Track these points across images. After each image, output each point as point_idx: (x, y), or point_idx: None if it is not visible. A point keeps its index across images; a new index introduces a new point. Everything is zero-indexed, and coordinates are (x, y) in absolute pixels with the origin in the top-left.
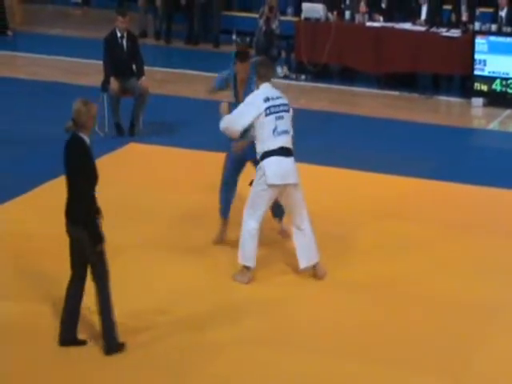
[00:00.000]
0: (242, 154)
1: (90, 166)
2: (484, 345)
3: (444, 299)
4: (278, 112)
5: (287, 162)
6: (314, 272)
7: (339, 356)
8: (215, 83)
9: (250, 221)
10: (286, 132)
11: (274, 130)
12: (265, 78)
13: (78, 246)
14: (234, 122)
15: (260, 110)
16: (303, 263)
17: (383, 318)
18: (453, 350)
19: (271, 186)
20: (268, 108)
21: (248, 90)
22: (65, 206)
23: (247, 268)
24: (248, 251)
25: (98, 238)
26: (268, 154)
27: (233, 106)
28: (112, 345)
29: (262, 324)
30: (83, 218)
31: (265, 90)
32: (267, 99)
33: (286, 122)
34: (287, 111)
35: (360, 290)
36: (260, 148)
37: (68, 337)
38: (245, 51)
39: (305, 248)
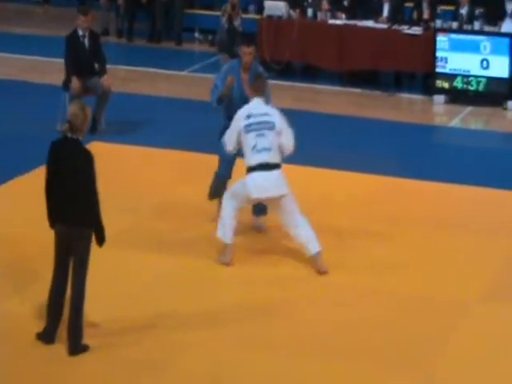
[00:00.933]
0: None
1: (94, 166)
2: (455, 341)
3: (415, 295)
4: (259, 130)
5: (268, 175)
6: (318, 264)
7: (304, 355)
8: (213, 99)
9: (229, 207)
10: (266, 149)
11: (254, 147)
12: (258, 92)
13: (68, 244)
14: (225, 143)
15: (239, 127)
16: (312, 249)
17: (357, 317)
18: (423, 347)
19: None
20: (248, 125)
21: (252, 74)
22: (56, 207)
23: (227, 246)
24: (228, 230)
25: (104, 236)
26: (249, 170)
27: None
28: (79, 345)
29: (246, 324)
30: (94, 219)
31: (252, 105)
32: (249, 116)
33: (267, 140)
34: (270, 129)
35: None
36: (245, 162)
37: (50, 336)
38: (251, 34)
39: (309, 237)
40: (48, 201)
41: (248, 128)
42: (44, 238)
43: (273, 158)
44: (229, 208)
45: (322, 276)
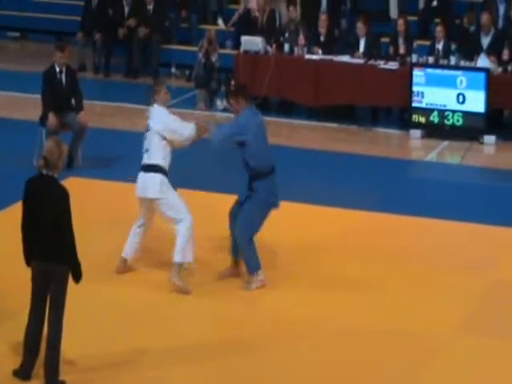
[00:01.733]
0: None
1: (70, 203)
2: (429, 375)
3: (391, 329)
4: (146, 134)
5: (144, 177)
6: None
7: None
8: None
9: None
10: (146, 150)
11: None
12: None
13: (44, 281)
14: None
15: None
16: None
17: (330, 353)
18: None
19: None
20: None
21: None
22: (32, 244)
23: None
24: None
25: (81, 272)
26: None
27: None
28: (56, 382)
29: (222, 360)
30: (69, 256)
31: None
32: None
33: (147, 141)
34: (149, 130)
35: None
36: None
37: (26, 373)
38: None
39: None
40: (24, 238)
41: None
42: (19, 274)
43: (149, 158)
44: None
45: (300, 312)
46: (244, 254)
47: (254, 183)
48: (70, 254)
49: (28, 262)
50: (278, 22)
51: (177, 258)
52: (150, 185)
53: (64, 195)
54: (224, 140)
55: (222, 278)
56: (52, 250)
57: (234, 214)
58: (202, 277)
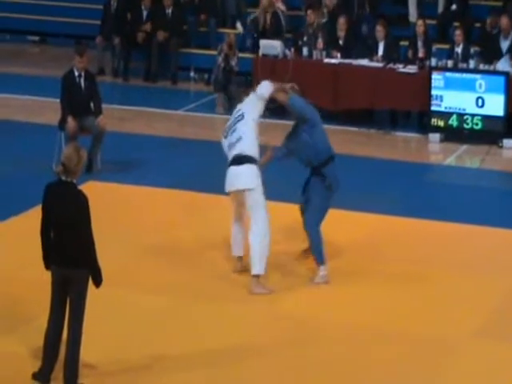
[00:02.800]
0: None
1: (89, 209)
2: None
3: (409, 332)
4: (231, 128)
5: (238, 169)
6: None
7: None
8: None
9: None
10: (238, 140)
11: (230, 146)
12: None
13: (64, 285)
14: None
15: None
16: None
17: (348, 356)
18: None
19: (228, 192)
20: (224, 131)
21: None
22: (51, 249)
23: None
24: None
25: (101, 277)
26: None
27: None
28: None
29: (241, 365)
30: (89, 261)
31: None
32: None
33: (238, 132)
34: (242, 119)
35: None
36: None
37: (45, 376)
38: None
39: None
40: (43, 242)
41: (225, 133)
42: (39, 279)
43: (241, 149)
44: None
45: (326, 315)
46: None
47: (323, 169)
48: (90, 258)
49: (47, 266)
50: (283, 23)
51: (253, 271)
52: (245, 175)
53: (83, 200)
54: (301, 108)
55: None
56: (71, 255)
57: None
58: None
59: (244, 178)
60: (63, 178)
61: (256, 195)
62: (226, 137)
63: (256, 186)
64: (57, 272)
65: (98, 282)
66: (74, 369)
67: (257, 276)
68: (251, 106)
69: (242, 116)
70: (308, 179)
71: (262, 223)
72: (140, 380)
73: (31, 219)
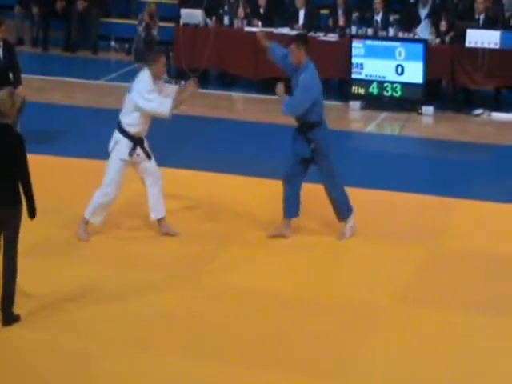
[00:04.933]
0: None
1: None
2: (368, 345)
3: (329, 298)
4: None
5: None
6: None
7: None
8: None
9: None
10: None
11: None
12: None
13: (2, 225)
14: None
15: None
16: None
17: (271, 325)
18: (338, 352)
19: None
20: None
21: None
22: None
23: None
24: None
25: (35, 209)
26: None
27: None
28: (11, 315)
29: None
30: (30, 197)
31: None
32: None
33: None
34: (129, 91)
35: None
36: None
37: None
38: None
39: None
40: None
41: None
42: None
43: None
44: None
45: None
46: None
47: (312, 133)
48: (28, 195)
49: None
50: None
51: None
52: (111, 140)
53: (20, 141)
54: (299, 110)
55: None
56: (12, 194)
57: (291, 176)
58: None
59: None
60: None
61: (110, 159)
62: None
63: (111, 151)
64: None
65: (34, 213)
66: (10, 301)
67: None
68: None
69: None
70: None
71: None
72: (76, 309)
73: None
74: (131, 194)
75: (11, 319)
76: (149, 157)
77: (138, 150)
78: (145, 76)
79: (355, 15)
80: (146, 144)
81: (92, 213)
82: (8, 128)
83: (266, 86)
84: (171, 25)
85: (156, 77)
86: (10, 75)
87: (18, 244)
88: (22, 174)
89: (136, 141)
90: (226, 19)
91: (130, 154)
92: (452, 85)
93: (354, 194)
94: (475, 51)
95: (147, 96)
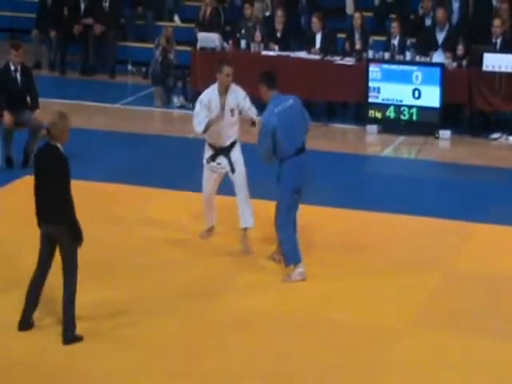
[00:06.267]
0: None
1: (69, 171)
2: (383, 368)
3: (345, 321)
4: None
5: None
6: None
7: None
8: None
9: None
10: None
11: None
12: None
13: (49, 244)
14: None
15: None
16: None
17: (289, 347)
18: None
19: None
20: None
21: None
22: (39, 207)
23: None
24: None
25: (80, 236)
26: None
27: None
28: (71, 335)
29: None
30: (69, 219)
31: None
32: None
33: None
34: None
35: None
36: None
37: (26, 323)
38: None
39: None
40: (35, 201)
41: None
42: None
43: None
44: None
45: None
46: (282, 245)
47: (280, 167)
48: (69, 216)
49: (39, 223)
50: (222, 18)
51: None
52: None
53: (63, 161)
54: (266, 155)
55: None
56: (57, 215)
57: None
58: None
59: None
60: (49, 141)
61: None
62: None
63: None
64: (44, 229)
65: (77, 240)
66: (70, 323)
67: None
68: None
69: None
70: None
71: None
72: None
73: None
74: None
75: (72, 339)
76: (232, 169)
77: (220, 160)
78: (208, 89)
79: (372, 39)
80: (234, 155)
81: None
82: (56, 149)
83: None
84: (188, 49)
85: (221, 88)
86: (28, 99)
87: (73, 268)
88: (62, 196)
89: (217, 150)
90: (243, 43)
91: (207, 162)
92: (469, 109)
93: (371, 218)
94: (492, 75)
95: (195, 109)
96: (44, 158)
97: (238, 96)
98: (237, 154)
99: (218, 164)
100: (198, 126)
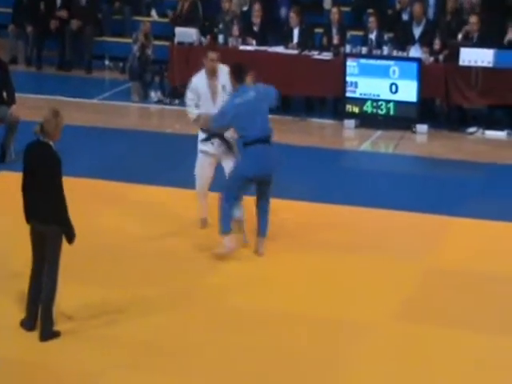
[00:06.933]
0: None
1: (61, 170)
2: (349, 363)
3: (325, 317)
4: None
5: None
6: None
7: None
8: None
9: None
10: None
11: None
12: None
13: (41, 241)
14: None
15: None
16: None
17: (264, 343)
18: (318, 368)
19: None
20: None
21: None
22: (29, 205)
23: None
24: None
25: (73, 233)
26: None
27: None
28: (49, 331)
29: None
30: (63, 217)
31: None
32: None
33: None
34: None
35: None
36: None
37: (30, 323)
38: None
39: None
40: (23, 198)
41: None
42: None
43: None
44: None
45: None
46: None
47: (241, 151)
48: (61, 216)
49: (28, 220)
50: (200, 12)
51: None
52: None
53: (56, 160)
54: (216, 130)
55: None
56: (47, 213)
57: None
58: None
59: None
60: (41, 138)
61: None
62: None
63: None
64: (34, 227)
65: (70, 238)
66: (48, 319)
67: None
68: None
69: None
70: None
71: None
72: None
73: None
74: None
75: (50, 335)
76: (229, 147)
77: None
78: (198, 73)
79: (349, 34)
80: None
81: None
82: (48, 147)
83: None
84: (165, 43)
85: (208, 72)
86: (4, 94)
87: (55, 260)
88: (54, 196)
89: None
90: (221, 38)
91: (202, 142)
92: (446, 103)
93: (348, 212)
94: (469, 70)
95: (187, 92)
96: (35, 155)
97: (226, 74)
98: (229, 137)
99: (212, 144)
100: (189, 113)
